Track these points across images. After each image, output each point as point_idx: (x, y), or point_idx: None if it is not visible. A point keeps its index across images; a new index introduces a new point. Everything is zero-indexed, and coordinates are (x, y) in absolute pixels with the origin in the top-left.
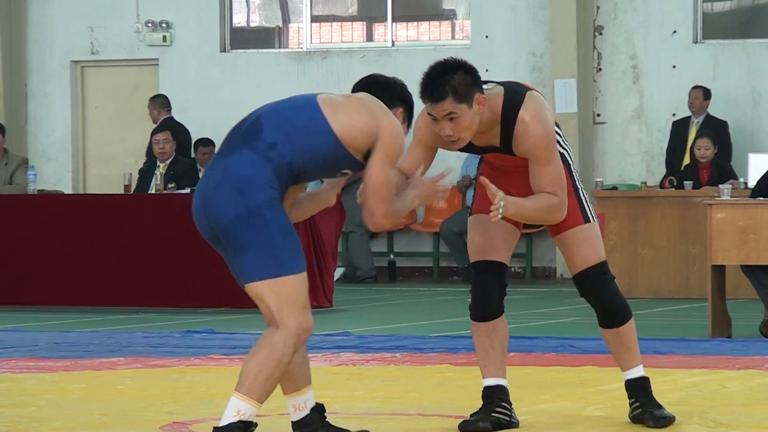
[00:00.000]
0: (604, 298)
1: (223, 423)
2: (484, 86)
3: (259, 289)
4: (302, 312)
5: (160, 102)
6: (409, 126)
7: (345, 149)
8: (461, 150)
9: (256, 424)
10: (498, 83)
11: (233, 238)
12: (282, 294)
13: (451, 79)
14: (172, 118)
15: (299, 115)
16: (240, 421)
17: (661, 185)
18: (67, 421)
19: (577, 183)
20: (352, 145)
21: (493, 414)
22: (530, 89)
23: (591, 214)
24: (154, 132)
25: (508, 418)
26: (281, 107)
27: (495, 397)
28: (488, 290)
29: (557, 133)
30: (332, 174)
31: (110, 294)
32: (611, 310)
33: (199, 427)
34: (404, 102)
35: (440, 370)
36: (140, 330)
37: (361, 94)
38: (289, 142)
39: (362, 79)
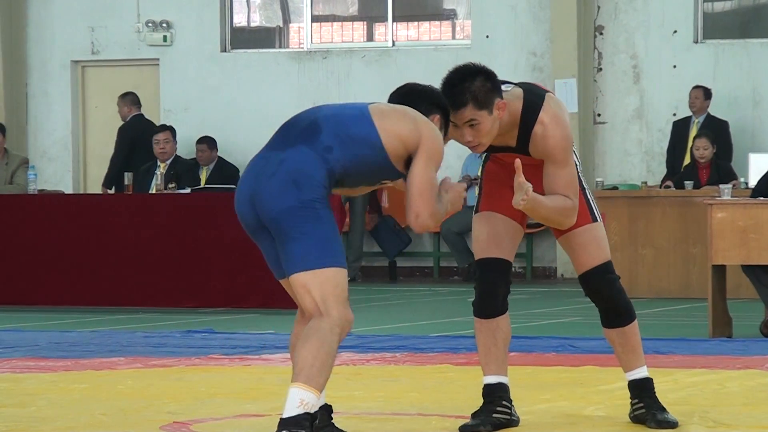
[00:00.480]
0: (611, 297)
1: (288, 414)
2: (502, 87)
3: (306, 278)
4: (346, 305)
5: (131, 99)
6: (446, 133)
7: (390, 162)
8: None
9: (317, 416)
10: (516, 85)
11: (283, 228)
12: (328, 285)
13: (471, 85)
14: (142, 115)
15: (355, 124)
16: (306, 413)
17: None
18: (68, 421)
19: (583, 183)
20: (395, 156)
21: (494, 415)
22: (547, 91)
23: (597, 213)
24: (121, 128)
25: (508, 417)
26: (337, 113)
27: (495, 395)
28: (493, 287)
29: None
30: (372, 183)
31: (110, 294)
32: (618, 310)
33: (200, 427)
34: (441, 109)
35: (441, 370)
36: (140, 330)
37: (401, 107)
38: (343, 148)
39: (399, 89)
